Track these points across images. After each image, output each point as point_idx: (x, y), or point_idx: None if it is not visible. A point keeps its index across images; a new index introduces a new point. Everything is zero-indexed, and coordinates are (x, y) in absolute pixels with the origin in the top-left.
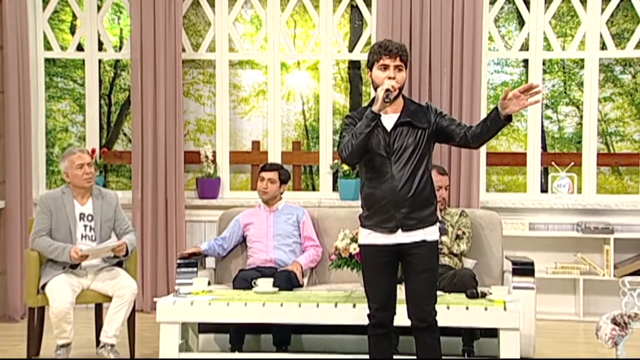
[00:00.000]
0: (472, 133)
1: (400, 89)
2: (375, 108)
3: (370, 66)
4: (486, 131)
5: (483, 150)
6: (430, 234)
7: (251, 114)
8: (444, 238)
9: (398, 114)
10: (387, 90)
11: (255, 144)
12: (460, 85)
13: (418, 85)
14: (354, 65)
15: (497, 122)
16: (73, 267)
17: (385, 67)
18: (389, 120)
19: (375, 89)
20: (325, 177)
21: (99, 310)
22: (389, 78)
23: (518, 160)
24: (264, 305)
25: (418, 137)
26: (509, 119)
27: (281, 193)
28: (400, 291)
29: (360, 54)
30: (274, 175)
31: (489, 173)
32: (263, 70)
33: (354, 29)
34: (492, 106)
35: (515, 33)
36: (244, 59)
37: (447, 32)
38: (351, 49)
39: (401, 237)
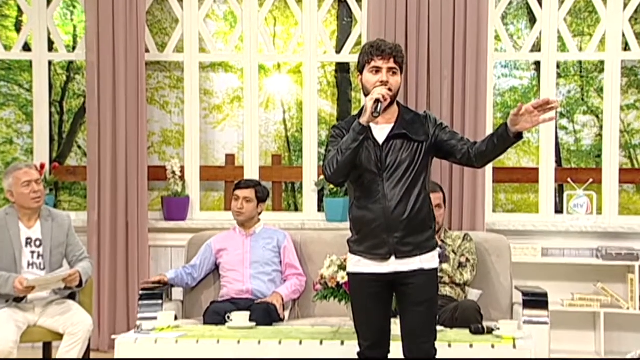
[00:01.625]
0: (476, 150)
1: (395, 95)
2: (363, 120)
3: (360, 69)
4: (492, 149)
5: (489, 165)
6: (428, 261)
7: (225, 123)
8: (445, 266)
9: (392, 125)
10: (377, 100)
11: (230, 157)
12: (463, 91)
13: (415, 91)
14: (342, 68)
15: (506, 139)
16: (18, 300)
17: (377, 70)
18: (381, 131)
19: (366, 95)
20: (309, 196)
21: (47, 350)
22: (382, 82)
23: (529, 176)
24: (239, 343)
25: (414, 151)
26: (519, 136)
27: (259, 214)
28: (395, 326)
29: (349, 56)
30: (250, 193)
31: (495, 191)
32: (238, 73)
33: (342, 27)
34: (499, 115)
35: (526, 32)
36: (217, 60)
37: (448, 31)
38: (339, 49)
39: (395, 264)
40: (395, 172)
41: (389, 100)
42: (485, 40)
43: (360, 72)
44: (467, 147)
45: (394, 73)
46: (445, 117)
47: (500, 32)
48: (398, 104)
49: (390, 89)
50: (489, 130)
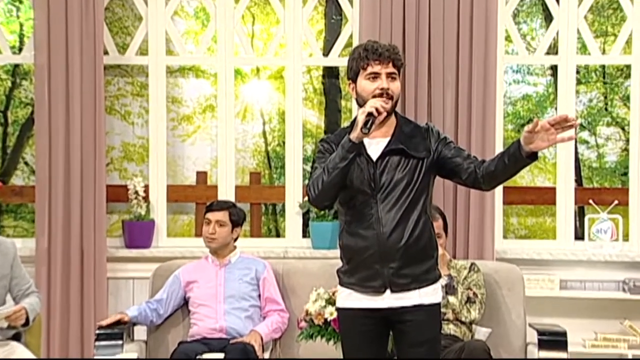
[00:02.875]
0: (484, 170)
1: (394, 105)
2: (353, 136)
3: (353, 76)
4: (502, 170)
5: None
6: (428, 295)
7: (195, 136)
8: (452, 299)
9: (388, 139)
10: (370, 114)
11: (201, 175)
12: (469, 99)
13: (413, 99)
14: (330, 73)
15: (518, 159)
16: None
17: (375, 76)
18: (375, 146)
19: (361, 106)
20: (292, 220)
21: None
22: (382, 90)
23: (545, 197)
24: None
25: (413, 169)
26: (533, 156)
27: (234, 240)
28: None
29: (339, 59)
30: (224, 216)
31: (507, 214)
32: (211, 79)
33: (330, 27)
34: (510, 127)
35: (541, 32)
36: (186, 64)
37: (452, 31)
38: (327, 52)
39: (391, 299)
40: (391, 192)
41: (385, 113)
42: (494, 42)
43: (353, 79)
44: (473, 166)
45: (394, 78)
46: (449, 129)
47: (512, 32)
48: (396, 114)
49: (390, 97)
50: (499, 145)
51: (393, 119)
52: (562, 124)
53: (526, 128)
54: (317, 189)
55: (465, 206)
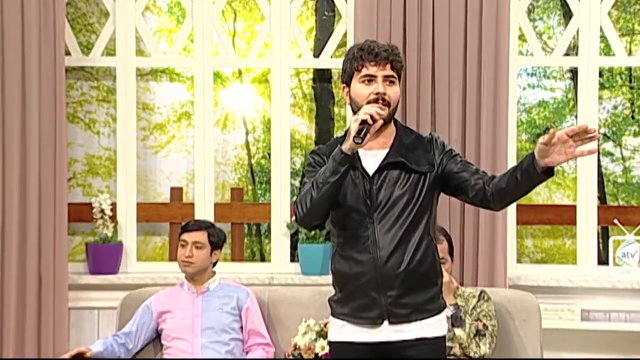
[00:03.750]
0: (494, 187)
1: (393, 112)
2: (345, 147)
3: (347, 79)
4: (514, 187)
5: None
6: (431, 327)
7: (170, 147)
8: (459, 332)
9: (386, 151)
10: (364, 122)
11: (176, 192)
12: (478, 106)
13: (415, 106)
14: (321, 76)
15: (532, 175)
16: None
17: (371, 79)
18: (372, 159)
19: (355, 112)
20: (279, 241)
21: None
22: (377, 94)
23: (564, 216)
24: None
25: (414, 184)
26: (548, 172)
27: (213, 264)
28: None
29: (331, 60)
30: (201, 237)
31: (520, 235)
32: (187, 83)
33: (321, 24)
34: (524, 137)
35: (559, 30)
36: (159, 66)
37: (459, 29)
38: (318, 52)
39: (389, 331)
40: (389, 211)
41: (380, 121)
42: (507, 41)
43: (347, 83)
44: (482, 182)
45: (392, 82)
46: (455, 140)
47: (526, 30)
48: (396, 122)
49: (388, 104)
50: (511, 157)
51: (392, 128)
52: (581, 135)
53: (541, 139)
54: (305, 207)
55: (474, 227)
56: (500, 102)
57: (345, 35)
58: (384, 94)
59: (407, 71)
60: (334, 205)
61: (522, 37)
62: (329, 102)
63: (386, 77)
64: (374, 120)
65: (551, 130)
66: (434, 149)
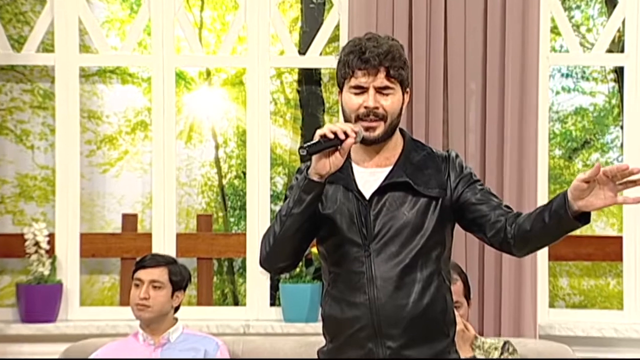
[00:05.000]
0: (517, 229)
1: (393, 123)
2: (310, 169)
3: (339, 85)
4: (540, 231)
5: None
6: None
7: (121, 165)
8: None
9: (388, 169)
10: (323, 137)
11: (129, 219)
12: (500, 115)
13: (424, 115)
14: (308, 78)
15: (562, 219)
16: None
17: (361, 90)
18: (370, 178)
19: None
20: (256, 281)
21: None
22: (366, 109)
23: (607, 250)
24: None
25: (422, 211)
26: (583, 218)
27: (175, 309)
28: None
29: (321, 58)
30: (160, 275)
31: (553, 273)
32: (143, 86)
33: (308, 14)
34: (557, 153)
35: (600, 21)
36: (109, 65)
37: (476, 21)
38: (304, 48)
39: None
40: (389, 243)
41: (350, 141)
42: (536, 35)
43: (340, 88)
44: (504, 220)
45: (387, 94)
46: (472, 157)
47: (560, 21)
48: (403, 134)
49: (382, 117)
50: (542, 178)
51: (398, 140)
52: (627, 174)
53: (579, 176)
54: (268, 246)
55: (496, 262)
56: (528, 110)
57: (337, 27)
58: (375, 107)
59: (414, 72)
60: (305, 244)
61: (554, 30)
62: (317, 110)
63: (379, 89)
64: (339, 140)
65: (596, 165)
66: (449, 170)
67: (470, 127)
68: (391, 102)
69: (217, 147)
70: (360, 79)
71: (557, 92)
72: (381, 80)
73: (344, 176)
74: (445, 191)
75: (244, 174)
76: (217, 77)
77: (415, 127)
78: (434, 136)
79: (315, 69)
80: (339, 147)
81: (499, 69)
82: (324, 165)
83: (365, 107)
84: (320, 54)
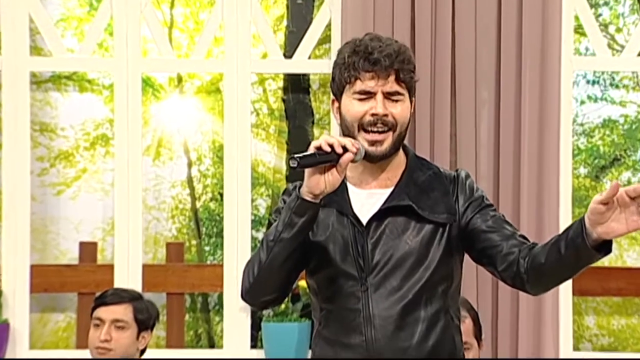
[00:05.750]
0: (531, 262)
1: (400, 136)
2: (303, 188)
3: (337, 92)
4: (556, 264)
5: None
6: None
7: (79, 185)
8: None
9: (389, 190)
10: (318, 150)
11: (88, 248)
12: (517, 127)
13: (428, 128)
14: (295, 84)
15: (580, 249)
16: None
17: (367, 96)
18: (368, 201)
19: (345, 136)
20: (235, 319)
21: None
22: (373, 116)
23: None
24: None
25: (427, 239)
26: (604, 247)
27: (141, 352)
28: None
29: (310, 62)
30: (124, 313)
31: (578, 311)
32: (105, 94)
33: (295, 11)
34: (582, 172)
35: (631, 20)
36: (64, 70)
37: (489, 19)
38: (290, 51)
39: None
40: (390, 276)
41: (349, 156)
42: (557, 36)
43: (337, 96)
44: (517, 252)
45: (396, 100)
46: (484, 178)
47: (585, 20)
48: (407, 151)
49: (391, 128)
50: (564, 201)
51: (400, 158)
52: None
53: (596, 197)
54: (252, 276)
55: (512, 297)
56: (549, 123)
57: (328, 26)
58: (385, 115)
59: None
60: (293, 274)
61: (579, 30)
62: (306, 121)
63: (388, 94)
64: (337, 154)
65: (613, 183)
66: (457, 192)
67: (481, 142)
68: (401, 109)
69: (189, 165)
70: (368, 83)
71: (582, 102)
72: (391, 84)
73: (337, 198)
74: (453, 216)
75: (221, 195)
76: (189, 83)
77: (418, 142)
78: (440, 153)
79: (303, 75)
80: (336, 163)
81: (515, 75)
82: (318, 183)
83: (373, 115)
84: (309, 57)
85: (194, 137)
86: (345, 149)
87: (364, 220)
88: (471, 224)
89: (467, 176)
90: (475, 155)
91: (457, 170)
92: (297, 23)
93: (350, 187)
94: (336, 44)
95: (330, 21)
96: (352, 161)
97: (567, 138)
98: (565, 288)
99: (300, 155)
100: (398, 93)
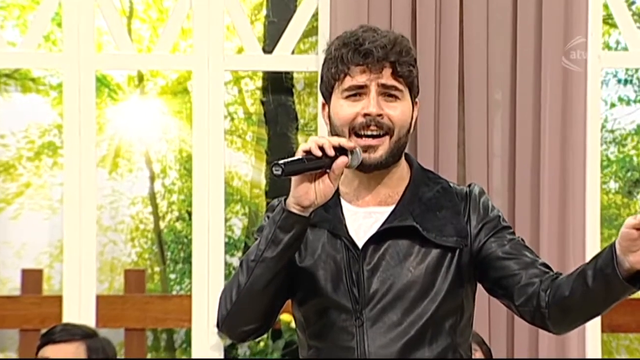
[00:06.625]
0: (553, 295)
1: (400, 145)
2: (289, 199)
3: (326, 93)
4: (583, 297)
5: None
6: None
7: (21, 202)
8: None
9: (390, 208)
10: (308, 153)
11: (32, 277)
12: (535, 134)
13: (432, 134)
14: (277, 84)
15: (610, 280)
16: None
17: (358, 94)
18: (365, 221)
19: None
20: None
21: None
22: (365, 117)
23: None
24: None
25: (433, 267)
26: (636, 280)
27: None
28: None
29: (293, 58)
30: (74, 352)
31: (608, 349)
32: (52, 96)
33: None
34: (612, 186)
35: None
36: (4, 68)
37: (503, 9)
38: (270, 45)
39: None
40: (389, 309)
41: (344, 160)
42: (583, 28)
43: (327, 98)
44: (538, 282)
45: (396, 97)
46: (497, 193)
47: (616, 9)
48: (410, 162)
49: (387, 131)
50: (591, 224)
51: (404, 170)
52: None
53: (628, 220)
54: (230, 302)
55: (531, 332)
56: (573, 129)
57: (315, 16)
58: (379, 115)
59: (419, 78)
60: (303, 296)
61: (608, 21)
62: (289, 127)
63: (383, 90)
64: (329, 158)
65: None
66: (469, 211)
67: (494, 151)
68: (400, 110)
69: (152, 179)
70: (359, 78)
71: (612, 105)
72: (387, 78)
73: (330, 217)
74: (464, 240)
75: (189, 214)
76: (152, 83)
77: (421, 151)
78: (446, 164)
79: (286, 73)
80: (328, 169)
81: (533, 73)
82: (307, 193)
83: (365, 115)
84: (293, 52)
85: (158, 146)
86: (338, 151)
87: (360, 243)
88: (485, 249)
89: (482, 192)
90: (487, 167)
91: (469, 186)
92: (279, 12)
93: (345, 204)
94: (324, 36)
95: (317, 10)
96: (348, 166)
97: (595, 147)
98: (593, 324)
99: (286, 160)
100: (395, 88)
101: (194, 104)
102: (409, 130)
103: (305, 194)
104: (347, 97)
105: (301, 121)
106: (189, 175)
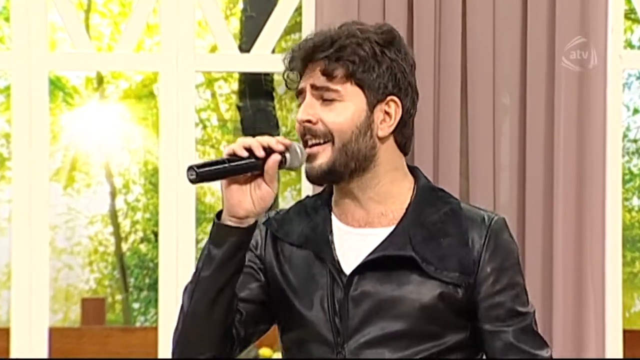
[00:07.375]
0: None
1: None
2: (224, 210)
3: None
4: None
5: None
6: None
7: None
8: None
9: (389, 230)
10: (233, 155)
11: None
12: (549, 143)
13: (431, 145)
14: (255, 87)
15: None
16: None
17: (303, 98)
18: (356, 244)
19: None
20: None
21: None
22: (300, 123)
23: None
24: None
25: (433, 303)
26: None
27: None
28: None
29: (273, 58)
30: None
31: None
32: None
33: None
34: (635, 203)
35: None
36: None
37: (511, 3)
38: (248, 43)
39: None
40: (376, 346)
41: (276, 159)
42: (602, 25)
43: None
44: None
45: (330, 99)
46: (505, 209)
47: (638, 4)
48: (415, 175)
49: (329, 139)
50: (612, 245)
51: (406, 185)
52: None
53: None
54: (176, 333)
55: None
56: (590, 137)
57: (298, 11)
58: (307, 121)
59: (417, 78)
60: (285, 325)
61: (631, 16)
62: (268, 133)
63: (317, 91)
64: (258, 159)
65: None
66: (483, 247)
67: (501, 162)
68: (336, 113)
69: (113, 194)
70: (300, 83)
71: (636, 110)
72: (317, 77)
73: (317, 237)
74: (467, 277)
75: (156, 235)
76: (113, 86)
77: (418, 162)
78: (446, 176)
79: (265, 75)
80: (262, 171)
81: (546, 75)
82: (241, 201)
83: (299, 123)
84: (273, 51)
85: (120, 157)
86: (267, 151)
87: (348, 269)
88: (478, 313)
89: (503, 227)
90: (493, 180)
91: (489, 214)
92: (257, 6)
93: (335, 221)
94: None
95: (300, 4)
96: (290, 168)
97: (616, 158)
98: (613, 350)
99: (202, 163)
100: (328, 89)
101: (161, 110)
102: (359, 137)
103: (239, 202)
104: (300, 104)
105: (283, 129)
106: (155, 191)
